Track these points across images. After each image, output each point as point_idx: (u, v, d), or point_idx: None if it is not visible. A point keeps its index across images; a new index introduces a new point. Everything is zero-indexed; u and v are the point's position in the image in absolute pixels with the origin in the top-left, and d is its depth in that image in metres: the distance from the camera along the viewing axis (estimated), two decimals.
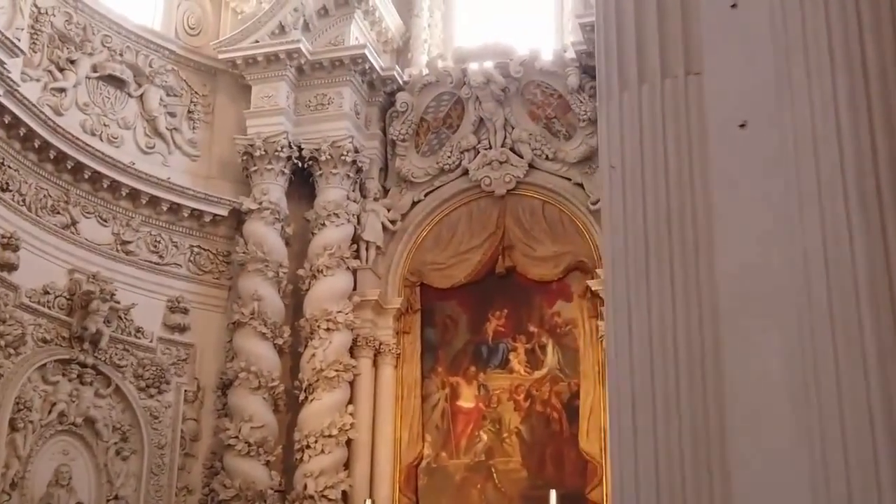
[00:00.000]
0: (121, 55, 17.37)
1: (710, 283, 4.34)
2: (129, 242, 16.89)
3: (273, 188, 17.54)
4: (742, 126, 4.35)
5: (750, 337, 4.18)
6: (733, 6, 4.48)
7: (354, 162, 17.71)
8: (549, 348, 17.35)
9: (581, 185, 17.46)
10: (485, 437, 17.25)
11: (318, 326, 16.90)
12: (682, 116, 4.58)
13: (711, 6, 4.60)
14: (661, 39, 4.70)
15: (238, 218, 17.61)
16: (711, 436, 4.19)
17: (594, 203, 17.20)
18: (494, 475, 17.01)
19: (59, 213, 16.10)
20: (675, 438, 4.25)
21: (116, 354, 16.38)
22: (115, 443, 16.18)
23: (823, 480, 3.84)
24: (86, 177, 16.29)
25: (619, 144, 4.71)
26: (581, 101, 17.37)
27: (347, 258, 17.40)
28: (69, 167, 16.07)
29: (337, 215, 17.40)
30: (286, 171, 17.71)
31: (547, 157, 17.68)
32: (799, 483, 3.94)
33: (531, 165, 17.74)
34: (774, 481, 4.03)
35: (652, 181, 4.54)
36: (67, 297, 15.92)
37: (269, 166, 17.54)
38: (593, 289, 16.89)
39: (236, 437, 16.47)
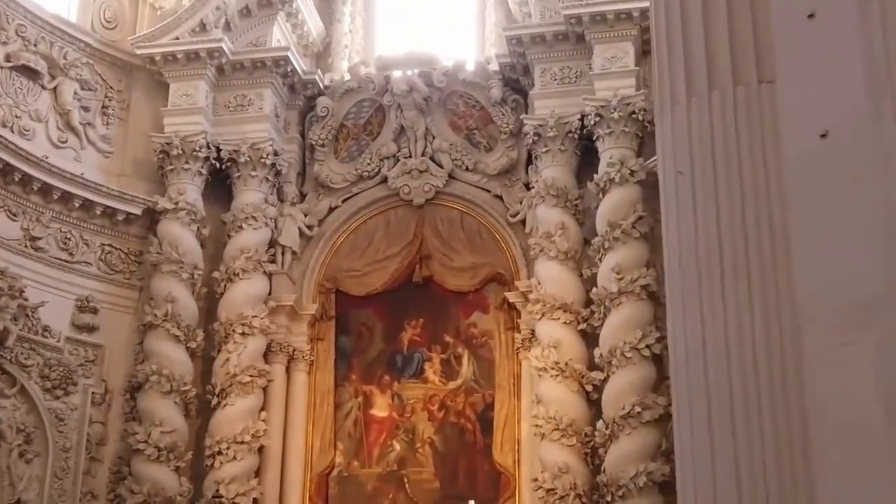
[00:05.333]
0: (35, 46, 16.82)
1: (790, 294, 4.32)
2: (39, 238, 16.33)
3: (190, 188, 17.13)
4: (823, 136, 4.35)
5: (838, 349, 4.15)
6: (811, 16, 4.48)
7: (274, 165, 17.44)
8: (465, 359, 17.31)
9: (500, 197, 17.49)
10: (397, 446, 17.14)
11: (234, 331, 16.57)
12: (755, 124, 4.56)
13: (785, 16, 4.59)
14: (731, 47, 4.68)
15: (151, 217, 17.16)
16: (794, 447, 4.16)
17: (513, 215, 17.30)
18: (407, 485, 16.91)
19: None
20: (757, 450, 4.20)
21: (23, 353, 15.81)
22: (19, 445, 15.61)
23: None
24: None
25: (688, 151, 4.66)
26: (503, 114, 17.42)
27: (264, 262, 17.11)
28: None
29: (255, 218, 17.11)
30: (203, 171, 17.32)
31: (467, 168, 17.67)
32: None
33: (451, 176, 17.70)
34: (866, 493, 4.01)
35: (725, 189, 4.51)
36: None
37: (186, 166, 17.14)
38: (510, 300, 16.95)
39: (145, 441, 16.02)
